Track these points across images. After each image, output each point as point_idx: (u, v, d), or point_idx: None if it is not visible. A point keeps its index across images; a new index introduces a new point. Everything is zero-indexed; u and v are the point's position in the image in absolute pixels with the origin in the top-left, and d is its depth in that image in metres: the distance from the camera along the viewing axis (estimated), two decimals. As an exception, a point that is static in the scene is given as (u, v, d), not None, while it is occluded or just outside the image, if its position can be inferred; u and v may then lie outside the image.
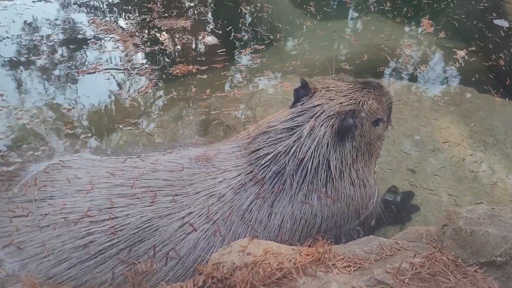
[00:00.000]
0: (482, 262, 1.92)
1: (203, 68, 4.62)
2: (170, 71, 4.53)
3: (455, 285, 1.78)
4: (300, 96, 2.80)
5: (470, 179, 3.56)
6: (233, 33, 5.35)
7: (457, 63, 5.15)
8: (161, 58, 4.73)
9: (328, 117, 2.61)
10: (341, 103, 2.68)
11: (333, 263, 1.92)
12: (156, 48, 4.82)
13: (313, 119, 2.62)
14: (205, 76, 4.53)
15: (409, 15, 6.24)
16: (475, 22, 6.07)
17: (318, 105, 2.68)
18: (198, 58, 4.79)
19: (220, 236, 2.32)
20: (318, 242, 2.06)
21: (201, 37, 5.11)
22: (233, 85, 4.49)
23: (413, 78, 4.92)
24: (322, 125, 2.59)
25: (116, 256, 2.16)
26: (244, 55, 4.96)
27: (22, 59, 4.47)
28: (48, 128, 3.64)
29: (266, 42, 5.30)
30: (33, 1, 5.42)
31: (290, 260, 1.88)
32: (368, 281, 1.78)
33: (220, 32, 5.30)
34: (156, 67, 4.53)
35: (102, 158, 2.74)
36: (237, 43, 5.23)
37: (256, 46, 5.15)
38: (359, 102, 2.73)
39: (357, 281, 1.78)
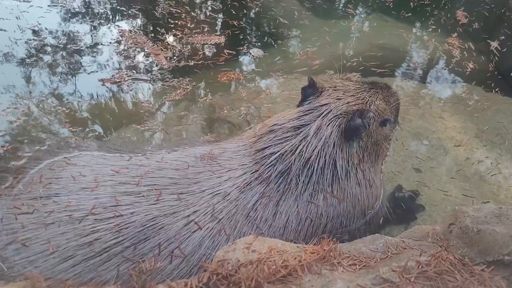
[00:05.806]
0: (490, 261, 1.90)
1: (249, 76, 4.68)
2: (218, 78, 4.56)
3: (462, 284, 1.76)
4: (307, 95, 2.79)
5: (477, 178, 3.54)
6: (276, 43, 5.38)
7: (496, 57, 5.15)
8: (197, 70, 4.69)
9: (335, 116, 2.60)
10: (348, 103, 2.67)
11: (338, 261, 1.91)
12: (191, 63, 4.77)
13: (320, 118, 2.61)
14: (253, 85, 4.56)
15: (446, 7, 6.23)
16: (502, 10, 6.02)
17: (325, 104, 2.66)
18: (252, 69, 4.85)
19: (225, 235, 2.31)
20: (323, 240, 2.05)
21: (245, 50, 5.11)
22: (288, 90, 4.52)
23: (438, 78, 4.97)
24: (329, 124, 2.58)
25: (121, 254, 2.15)
26: (298, 59, 5.00)
27: (47, 62, 4.49)
28: (58, 126, 3.68)
29: (317, 44, 5.34)
30: (48, 6, 5.40)
31: (295, 258, 1.87)
32: (374, 280, 1.77)
33: (256, 43, 5.32)
34: (189, 78, 4.51)
35: (107, 156, 2.74)
36: (284, 49, 5.26)
37: (308, 48, 5.19)
38: (367, 102, 2.72)
39: (363, 279, 1.77)
